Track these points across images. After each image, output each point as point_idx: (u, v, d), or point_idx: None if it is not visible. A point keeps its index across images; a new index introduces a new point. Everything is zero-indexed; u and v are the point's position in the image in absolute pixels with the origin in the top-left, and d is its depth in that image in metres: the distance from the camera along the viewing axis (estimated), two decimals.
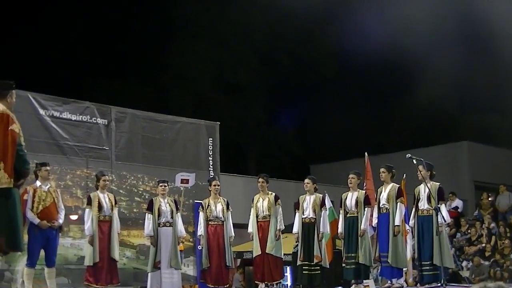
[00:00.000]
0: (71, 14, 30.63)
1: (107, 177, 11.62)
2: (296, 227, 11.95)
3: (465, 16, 21.91)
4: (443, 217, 10.50)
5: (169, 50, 31.28)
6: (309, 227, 11.79)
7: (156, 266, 11.53)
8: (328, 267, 12.17)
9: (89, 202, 11.21)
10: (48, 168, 10.64)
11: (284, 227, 12.12)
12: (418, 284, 11.12)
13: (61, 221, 10.55)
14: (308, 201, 11.88)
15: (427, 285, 10.45)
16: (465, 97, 30.60)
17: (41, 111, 12.56)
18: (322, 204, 11.91)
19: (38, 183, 10.36)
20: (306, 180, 12.09)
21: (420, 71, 27.93)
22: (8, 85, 6.73)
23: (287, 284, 17.60)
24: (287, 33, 31.03)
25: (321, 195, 12.03)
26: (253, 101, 32.26)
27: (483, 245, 18.18)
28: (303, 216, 11.86)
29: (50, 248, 10.34)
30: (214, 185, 12.14)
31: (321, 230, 11.72)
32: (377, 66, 29.20)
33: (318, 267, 11.69)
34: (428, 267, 10.66)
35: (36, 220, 10.06)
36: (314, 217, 11.78)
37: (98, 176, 11.55)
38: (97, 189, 11.44)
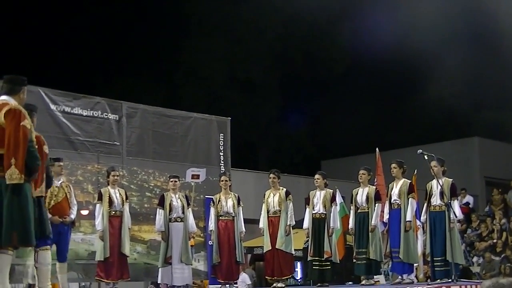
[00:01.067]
0: (85, 9, 30.73)
1: (116, 172, 11.63)
2: (307, 223, 11.95)
3: (477, 13, 21.88)
4: (454, 213, 10.49)
5: (183, 47, 31.36)
6: (319, 223, 11.78)
7: (167, 261, 11.56)
8: (339, 262, 12.17)
9: (100, 198, 11.23)
10: (61, 163, 10.64)
11: (294, 222, 12.11)
12: (429, 280, 11.10)
13: (73, 216, 10.53)
14: (319, 197, 11.87)
15: (438, 281, 10.43)
16: (476, 93, 30.52)
17: (52, 106, 12.57)
18: (333, 199, 11.89)
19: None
20: (316, 176, 12.08)
21: (431, 67, 27.90)
22: (21, 81, 6.77)
23: (298, 280, 17.60)
24: (300, 31, 31.05)
25: (331, 191, 12.01)
26: (266, 98, 32.30)
27: (494, 241, 18.16)
28: (313, 212, 11.86)
29: (62, 243, 10.32)
30: (222, 180, 12.14)
31: (331, 225, 11.71)
32: (388, 63, 29.12)
33: (329, 263, 11.68)
34: (440, 263, 10.65)
35: (48, 215, 10.05)
36: (325, 212, 11.76)
37: (108, 171, 11.59)
38: (108, 184, 11.47)
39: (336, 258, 11.90)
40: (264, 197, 12.18)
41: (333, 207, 11.86)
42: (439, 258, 10.65)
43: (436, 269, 10.78)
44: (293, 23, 30.52)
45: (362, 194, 11.62)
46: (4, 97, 6.58)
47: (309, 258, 11.87)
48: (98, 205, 11.28)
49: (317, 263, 11.72)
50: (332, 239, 11.79)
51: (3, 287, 6.42)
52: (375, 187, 12.24)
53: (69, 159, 12.61)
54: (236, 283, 12.30)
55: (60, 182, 10.37)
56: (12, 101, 6.48)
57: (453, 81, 29.90)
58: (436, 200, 10.84)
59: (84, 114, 13.08)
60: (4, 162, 6.24)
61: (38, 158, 6.51)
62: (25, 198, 6.31)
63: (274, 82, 32.33)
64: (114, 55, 30.33)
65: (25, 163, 6.27)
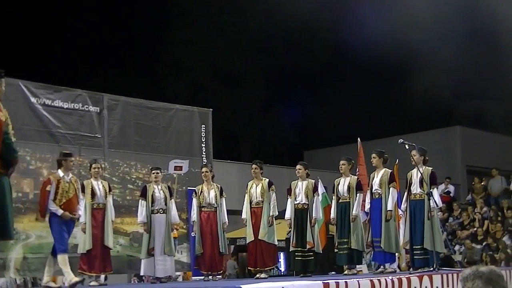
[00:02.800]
0: (66, 1, 30.53)
1: (98, 164, 11.57)
2: (289, 213, 11.96)
3: (460, 4, 21.93)
4: (435, 201, 10.54)
5: (165, 38, 31.31)
6: (301, 213, 11.78)
7: (150, 253, 11.55)
8: (321, 252, 12.20)
9: (82, 190, 11.17)
10: (73, 158, 10.56)
11: (277, 213, 12.11)
12: (411, 269, 11.16)
13: (80, 212, 10.57)
14: (301, 187, 11.87)
15: (420, 270, 10.49)
16: (459, 83, 30.69)
17: (33, 99, 12.52)
18: (315, 189, 11.90)
19: (60, 173, 10.14)
20: (298, 166, 12.04)
21: (414, 58, 27.99)
22: None
23: (281, 270, 17.66)
24: (282, 22, 31.04)
25: (313, 181, 12.01)
26: (248, 89, 32.31)
27: (475, 229, 18.29)
28: (295, 202, 11.87)
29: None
30: (203, 172, 12.15)
31: (313, 216, 11.73)
32: (371, 53, 29.25)
33: (311, 253, 11.70)
34: (419, 251, 10.71)
35: (59, 211, 9.85)
36: (307, 203, 11.77)
37: (90, 164, 11.57)
38: (91, 177, 11.44)
39: (319, 249, 11.93)
40: (246, 187, 12.19)
41: (315, 197, 11.86)
42: (418, 247, 10.70)
43: (415, 257, 10.83)
44: (275, 14, 30.50)
45: (343, 184, 11.63)
46: None
47: (291, 249, 11.88)
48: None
49: (300, 253, 11.74)
50: (314, 229, 11.81)
51: None
52: (356, 177, 12.24)
53: (51, 152, 12.56)
54: (219, 274, 12.30)
55: (69, 177, 10.23)
56: None
57: (435, 71, 30.07)
58: (416, 189, 10.88)
59: (65, 106, 13.04)
60: None
61: (15, 151, 6.41)
62: (2, 191, 6.24)
63: (257, 73, 32.34)
64: (96, 47, 30.22)
65: (2, 156, 6.20)
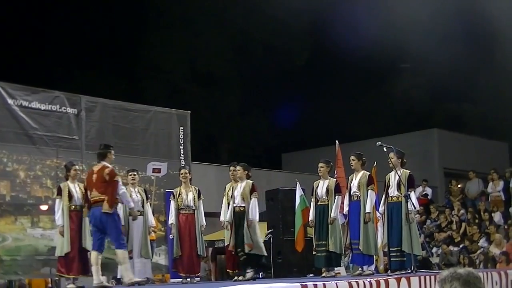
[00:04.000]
0: (43, 3, 30.34)
1: (77, 166, 11.51)
2: (223, 216, 11.96)
3: (438, 6, 22.05)
4: (413, 204, 10.60)
5: (143, 40, 31.21)
6: (239, 216, 11.60)
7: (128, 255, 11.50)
8: (266, 254, 12.14)
9: (59, 192, 11.07)
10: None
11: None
12: (389, 271, 11.20)
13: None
14: (239, 189, 11.77)
15: (398, 272, 10.53)
16: (436, 85, 30.88)
17: (10, 101, 12.42)
18: (252, 191, 11.66)
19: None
20: (238, 167, 11.80)
21: (392, 60, 28.14)
22: None
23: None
24: (260, 23, 31.01)
25: (251, 182, 11.79)
26: (226, 91, 32.29)
27: (453, 231, 18.39)
28: (234, 205, 11.67)
29: None
30: (182, 174, 12.12)
31: (250, 217, 11.48)
32: (349, 55, 29.31)
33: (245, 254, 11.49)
34: (395, 253, 10.76)
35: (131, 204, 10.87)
36: (244, 205, 11.56)
37: (68, 166, 11.34)
38: (67, 179, 11.32)
39: (262, 250, 11.71)
40: (224, 190, 12.17)
41: (253, 199, 11.58)
42: (395, 249, 10.76)
43: (392, 259, 10.89)
44: (253, 16, 30.49)
45: (322, 186, 11.67)
46: None
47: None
48: (57, 200, 11.09)
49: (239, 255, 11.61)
50: (254, 230, 11.60)
51: None
52: (335, 179, 12.29)
53: (28, 154, 12.51)
54: (197, 277, 12.28)
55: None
56: None
57: (413, 73, 30.22)
58: (393, 191, 10.93)
59: (43, 108, 12.95)
60: None
61: None
62: None
63: (235, 75, 32.31)
64: (73, 49, 30.05)
65: None
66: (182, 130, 15.43)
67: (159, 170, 13.90)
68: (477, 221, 18.38)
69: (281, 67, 32.45)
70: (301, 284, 7.47)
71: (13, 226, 12.02)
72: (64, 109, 13.30)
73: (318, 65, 31.71)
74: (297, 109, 32.64)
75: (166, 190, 13.97)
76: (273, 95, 33.78)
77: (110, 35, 30.76)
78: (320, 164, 11.80)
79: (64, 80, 27.26)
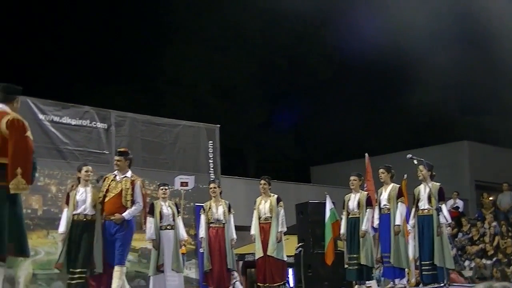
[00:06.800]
0: (69, 20, 30.67)
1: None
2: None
3: (463, 16, 21.92)
4: (444, 217, 10.51)
5: (165, 55, 31.32)
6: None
7: (159, 269, 11.50)
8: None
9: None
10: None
11: (286, 229, 12.10)
12: (420, 285, 11.10)
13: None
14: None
15: (429, 285, 10.43)
16: (465, 97, 30.62)
17: (41, 116, 12.54)
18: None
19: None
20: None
21: (420, 71, 27.94)
22: (15, 89, 6.78)
23: (290, 286, 17.55)
24: (283, 37, 31.04)
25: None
26: (252, 104, 32.28)
27: (485, 244, 18.18)
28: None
29: None
30: (211, 188, 12.15)
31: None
32: (375, 66, 29.23)
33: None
34: (427, 267, 10.66)
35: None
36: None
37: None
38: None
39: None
40: (255, 203, 12.17)
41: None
42: (427, 262, 10.66)
43: (424, 273, 10.78)
44: (276, 29, 30.53)
45: (354, 199, 11.67)
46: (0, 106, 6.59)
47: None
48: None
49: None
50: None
51: None
52: (366, 192, 12.25)
53: (59, 169, 12.59)
54: None
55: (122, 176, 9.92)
56: (9, 110, 6.49)
57: (441, 85, 30.01)
58: (424, 204, 10.84)
59: (73, 123, 13.06)
60: (8, 172, 6.23)
61: (36, 169, 6.52)
62: (21, 208, 6.33)
63: (259, 88, 32.30)
64: (101, 64, 30.26)
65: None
66: (211, 144, 15.45)
67: (186, 184, 13.93)
68: (510, 234, 18.16)
69: (306, 80, 32.42)
70: None
71: (45, 240, 12.09)
72: (94, 123, 13.40)
73: (344, 77, 31.59)
74: (324, 121, 32.53)
75: (196, 203, 13.99)
76: (299, 108, 33.74)
77: (133, 50, 30.94)
78: (353, 178, 11.78)
79: (89, 95, 27.44)
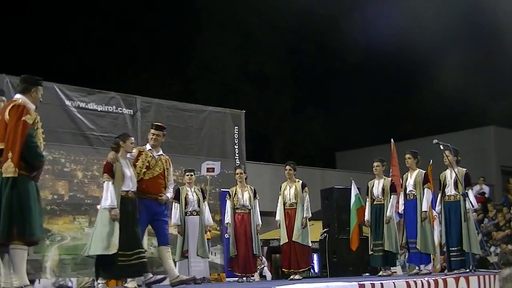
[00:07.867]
0: (99, 5, 30.79)
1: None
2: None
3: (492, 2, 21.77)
4: (471, 202, 10.44)
5: (195, 41, 31.42)
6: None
7: (184, 255, 11.56)
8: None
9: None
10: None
11: (311, 215, 12.10)
12: (446, 270, 11.06)
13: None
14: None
15: (456, 271, 10.39)
16: (492, 82, 30.37)
17: (67, 102, 12.59)
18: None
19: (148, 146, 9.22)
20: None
21: (447, 57, 27.77)
22: (34, 80, 6.89)
23: (315, 272, 17.61)
24: (312, 22, 30.97)
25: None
26: (279, 90, 32.32)
27: (511, 230, 18.08)
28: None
29: None
30: (237, 173, 12.15)
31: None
32: (402, 52, 29.03)
33: None
34: (455, 253, 10.61)
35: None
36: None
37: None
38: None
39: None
40: (280, 189, 12.18)
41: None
42: (455, 248, 10.60)
43: (452, 259, 10.71)
44: (305, 15, 30.45)
45: (378, 186, 11.61)
46: (17, 96, 6.74)
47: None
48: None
49: None
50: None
51: (20, 282, 6.45)
52: (390, 178, 12.22)
53: (85, 155, 12.66)
54: (253, 276, 12.31)
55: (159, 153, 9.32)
56: (22, 99, 6.58)
57: (467, 70, 29.76)
58: (450, 190, 10.78)
59: (99, 109, 13.10)
60: (3, 156, 6.38)
61: (40, 155, 6.57)
62: (25, 192, 6.38)
63: (288, 74, 32.30)
64: (127, 50, 30.42)
65: (25, 159, 6.38)
66: (237, 130, 15.46)
67: (212, 169, 13.94)
68: None
69: (334, 66, 32.34)
70: (358, 283, 7.41)
71: (71, 225, 12.18)
72: (120, 109, 13.44)
73: (370, 63, 31.47)
74: (350, 107, 32.45)
75: (221, 189, 14.03)
76: (326, 94, 33.69)
77: (162, 36, 31.08)
78: (376, 163, 11.73)
79: (118, 81, 27.60)
